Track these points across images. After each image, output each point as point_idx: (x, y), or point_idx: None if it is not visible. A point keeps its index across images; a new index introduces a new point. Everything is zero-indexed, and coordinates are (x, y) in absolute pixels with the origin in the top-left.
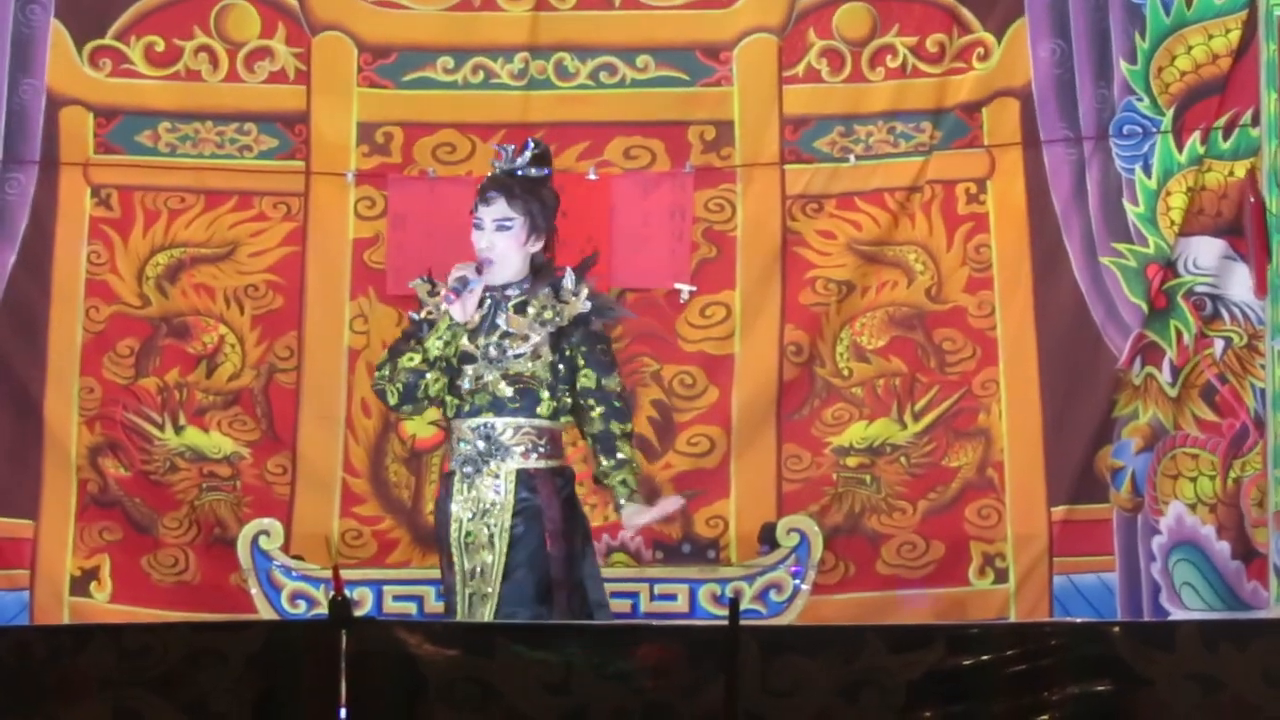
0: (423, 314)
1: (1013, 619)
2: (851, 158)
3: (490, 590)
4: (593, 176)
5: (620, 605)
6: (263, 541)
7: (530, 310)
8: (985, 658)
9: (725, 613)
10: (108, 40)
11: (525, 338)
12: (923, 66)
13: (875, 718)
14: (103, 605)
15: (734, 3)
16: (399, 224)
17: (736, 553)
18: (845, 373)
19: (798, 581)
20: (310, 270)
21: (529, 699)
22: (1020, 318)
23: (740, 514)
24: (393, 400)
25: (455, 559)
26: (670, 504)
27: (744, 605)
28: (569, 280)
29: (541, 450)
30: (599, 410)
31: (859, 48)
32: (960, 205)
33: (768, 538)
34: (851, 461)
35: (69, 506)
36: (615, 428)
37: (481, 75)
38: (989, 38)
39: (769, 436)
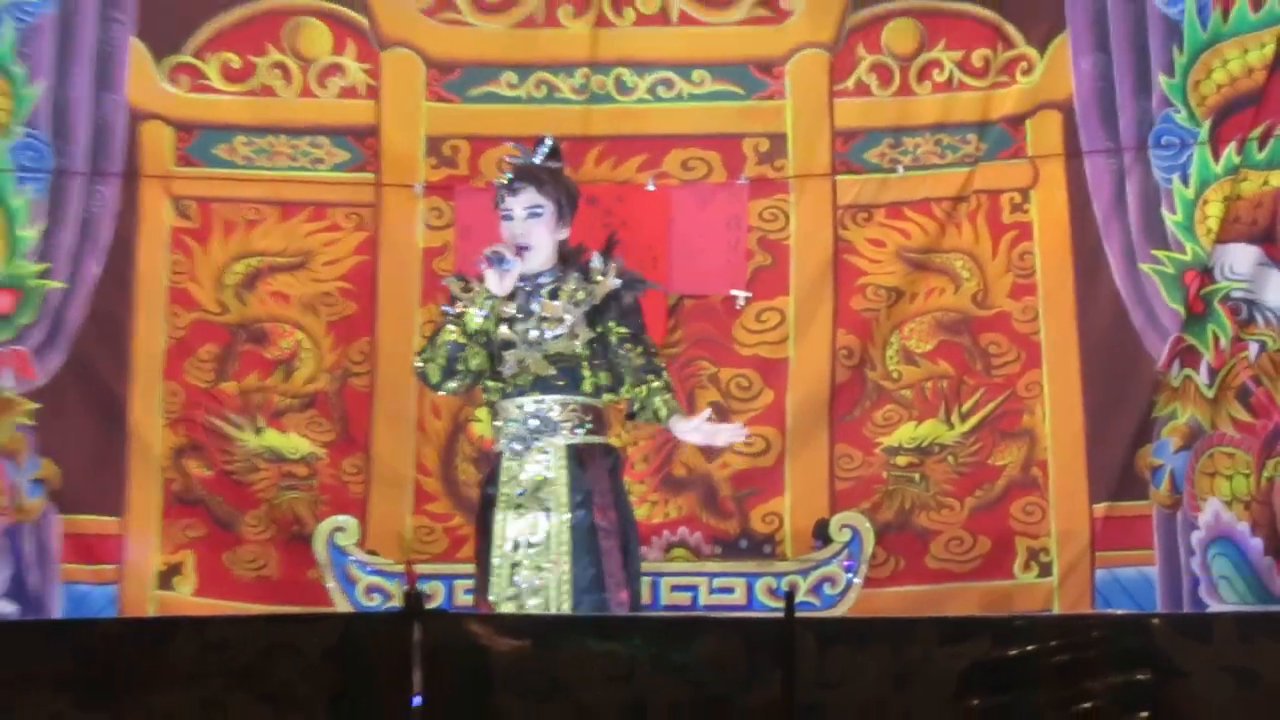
0: (456, 308)
1: (1056, 611)
2: (900, 169)
3: (549, 564)
4: (651, 187)
5: (680, 598)
6: (339, 538)
7: (562, 294)
8: (1030, 648)
9: (781, 605)
10: (185, 57)
11: (560, 319)
12: (968, 80)
13: (925, 706)
14: (187, 599)
15: (786, 19)
16: (466, 233)
17: (791, 548)
18: (895, 375)
19: (850, 575)
20: (381, 278)
21: (592, 690)
22: (1063, 322)
23: (795, 511)
24: (434, 378)
25: (498, 531)
26: (730, 431)
27: (799, 598)
28: (596, 261)
29: (588, 426)
30: (637, 350)
31: (907, 62)
32: (1005, 214)
33: (821, 534)
34: (901, 460)
35: (155, 505)
36: (655, 363)
37: (544, 90)
38: (1032, 52)
39: (822, 437)
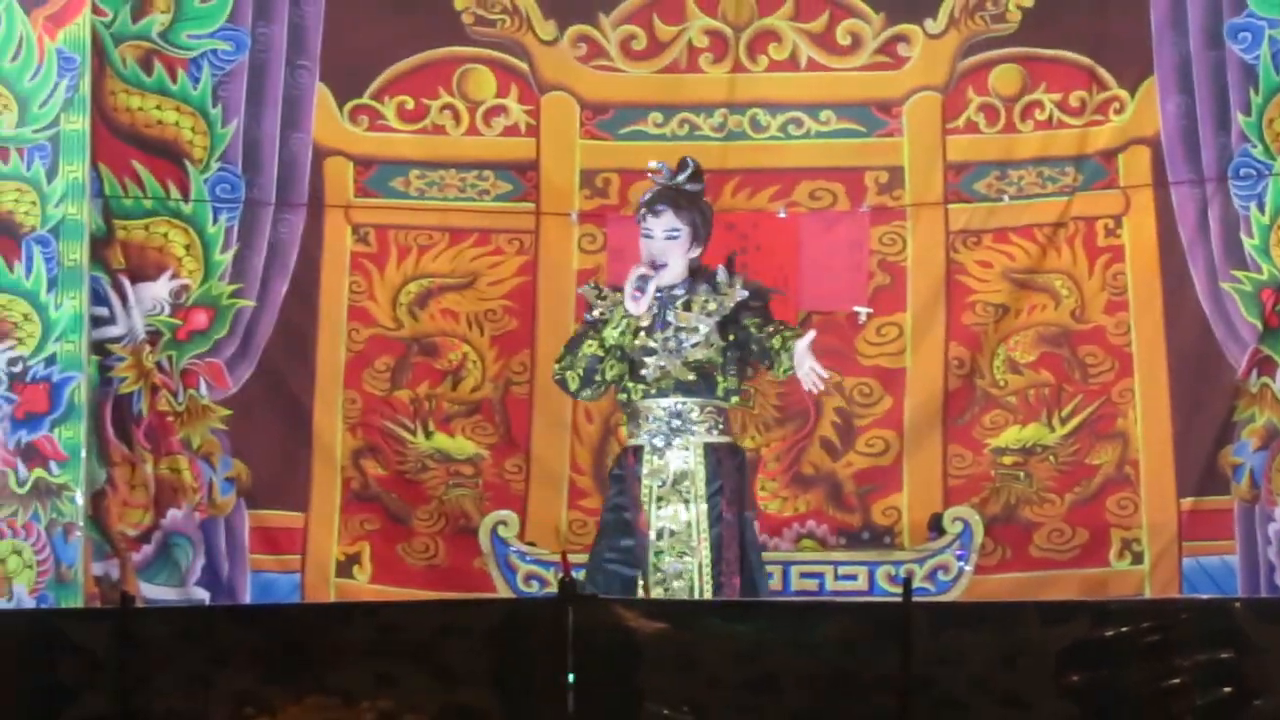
0: (595, 314)
1: (1147, 596)
2: (1006, 198)
3: (690, 550)
4: (782, 215)
5: (808, 584)
6: (501, 530)
7: (694, 306)
8: (1124, 630)
9: (899, 591)
10: (365, 99)
11: (695, 329)
12: (1067, 119)
13: (1029, 682)
14: (364, 585)
15: (904, 65)
16: (617, 256)
17: (909, 539)
18: (1001, 383)
19: (962, 563)
20: (540, 297)
21: (728, 667)
22: (1152, 335)
23: (912, 505)
24: (573, 385)
25: (637, 521)
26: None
27: (915, 584)
28: (722, 274)
29: (721, 427)
30: (769, 326)
31: (1011, 103)
32: (1100, 238)
33: (936, 526)
34: (1007, 460)
35: (334, 501)
36: (787, 325)
37: (687, 128)
38: (1124, 93)
39: (936, 438)
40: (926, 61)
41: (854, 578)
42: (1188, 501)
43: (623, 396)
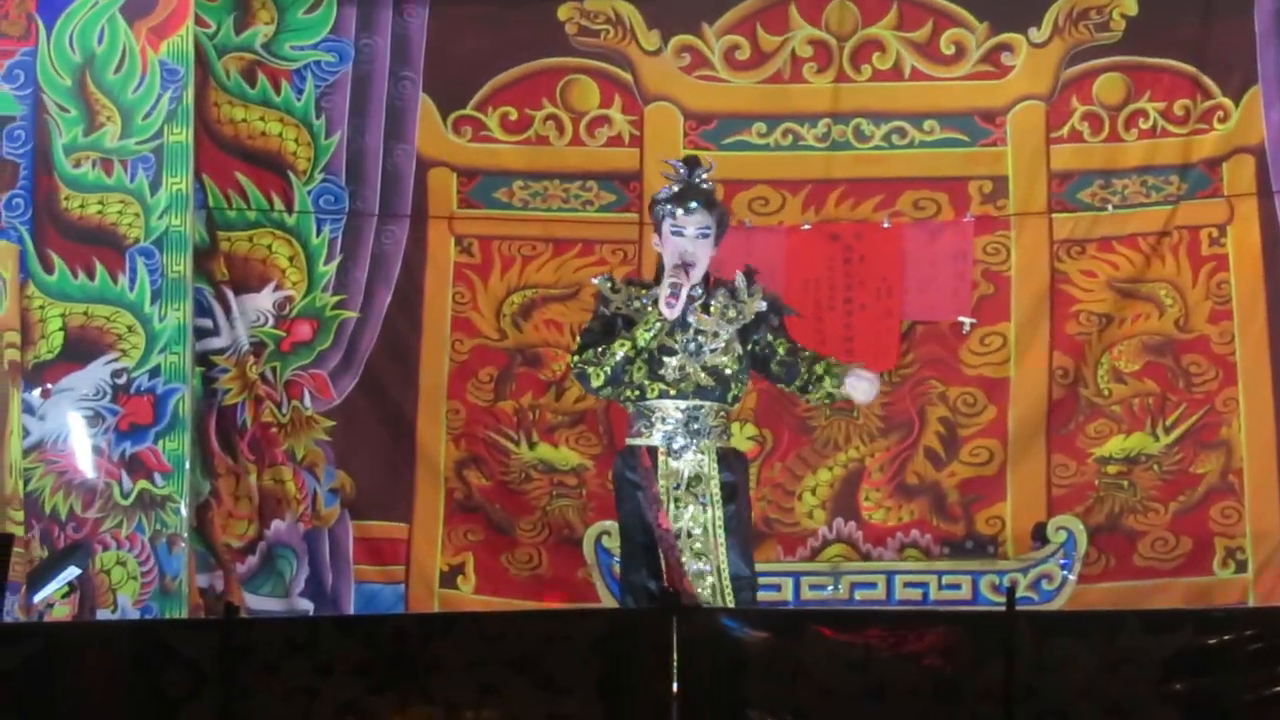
0: (610, 309)
1: (1251, 604)
2: (1110, 207)
3: (709, 552)
4: (886, 225)
5: (912, 594)
6: (605, 540)
7: (714, 310)
8: (1228, 638)
9: (1003, 600)
10: (469, 110)
11: (716, 334)
12: (1170, 128)
13: (1133, 690)
14: (467, 596)
15: (1008, 74)
16: (717, 265)
17: (1013, 548)
18: (1106, 393)
19: (1066, 573)
20: None
21: (834, 677)
22: (1257, 344)
23: (1015, 514)
24: (596, 382)
25: (658, 519)
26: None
27: (1019, 594)
28: (741, 282)
29: (730, 433)
30: (804, 353)
31: (1115, 112)
32: (1204, 247)
33: (1039, 535)
34: (1111, 469)
35: (438, 512)
36: (816, 354)
37: (790, 138)
38: (1228, 102)
39: (1040, 448)
40: (1030, 70)
41: (958, 587)
42: None
43: (633, 395)
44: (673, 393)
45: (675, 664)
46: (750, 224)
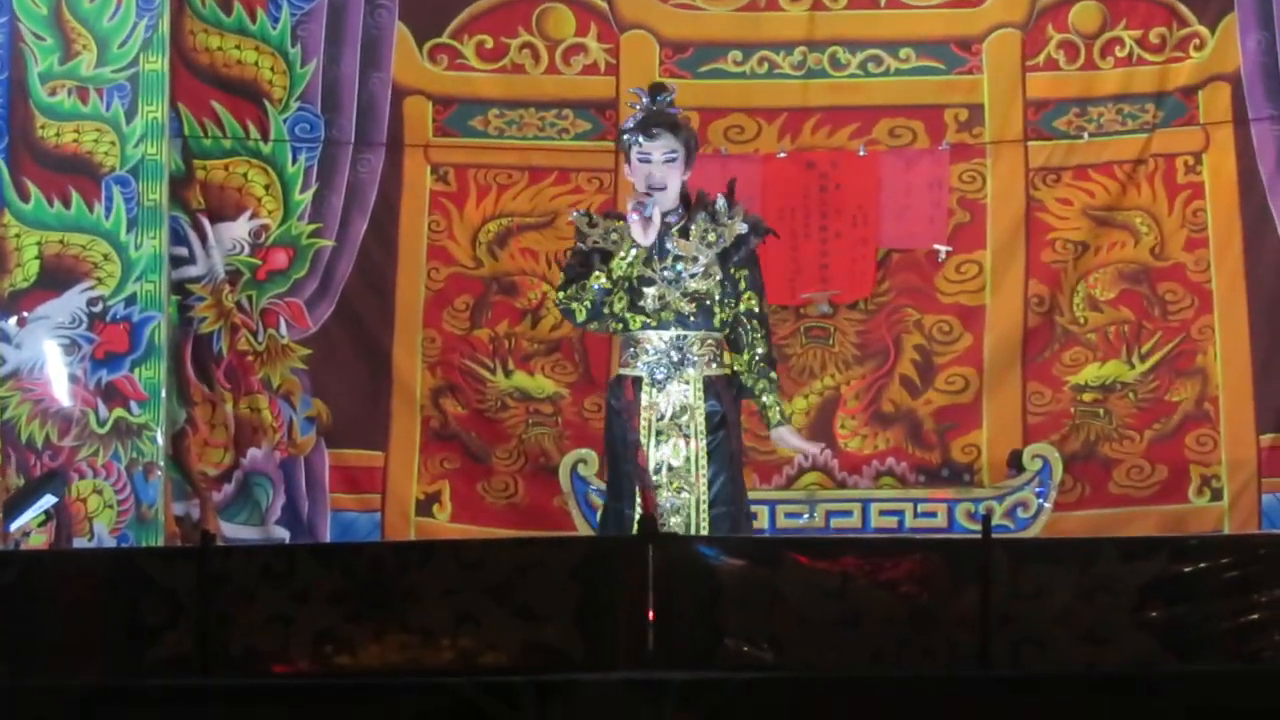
0: (588, 244)
1: (1226, 532)
2: (1085, 135)
3: (689, 485)
4: (862, 153)
5: (888, 522)
6: (580, 469)
7: (693, 233)
8: (1203, 565)
9: (979, 528)
10: (445, 39)
11: (695, 259)
12: (1146, 56)
13: (1108, 617)
14: (444, 524)
15: (984, 2)
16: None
17: (988, 476)
18: (1081, 321)
19: (1041, 500)
20: None
21: (810, 604)
22: (1232, 272)
23: (991, 443)
24: (580, 318)
25: (636, 454)
26: (814, 448)
27: (995, 521)
28: (721, 204)
29: (719, 360)
30: (760, 334)
31: (1091, 40)
32: (1180, 175)
33: (1015, 463)
34: (1087, 397)
35: (414, 440)
36: (773, 353)
37: (766, 66)
38: (1204, 30)
39: (1015, 376)
40: None
41: (934, 515)
42: (1267, 438)
43: (618, 326)
44: (654, 323)
45: (651, 592)
46: (726, 152)
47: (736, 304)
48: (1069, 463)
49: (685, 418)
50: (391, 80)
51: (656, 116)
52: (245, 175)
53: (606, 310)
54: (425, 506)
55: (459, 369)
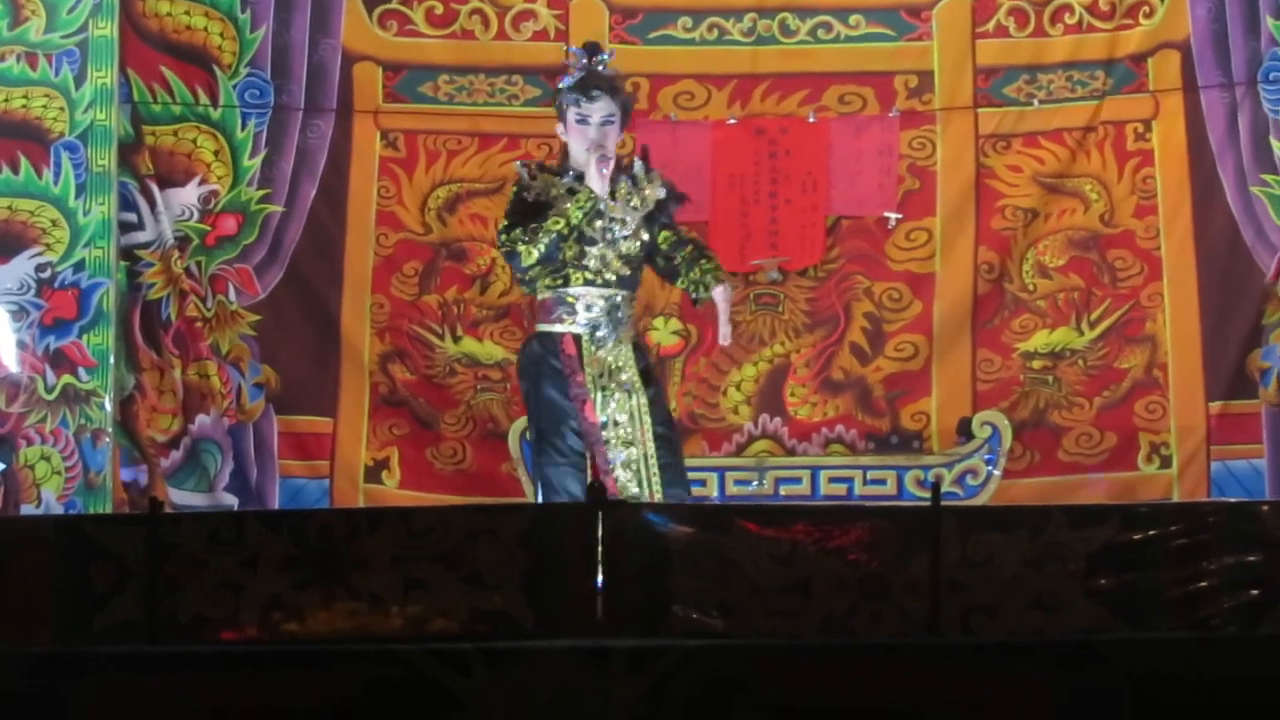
0: (532, 196)
1: (1176, 499)
2: (1035, 102)
3: (636, 440)
4: (812, 120)
5: (837, 489)
6: (529, 435)
7: (619, 197)
8: (1153, 533)
9: (928, 495)
10: (394, 5)
11: (624, 221)
12: (1096, 23)
13: (1058, 584)
14: (392, 491)
15: None
16: (646, 159)
17: (938, 443)
18: (1031, 288)
19: (990, 468)
20: None
21: (760, 571)
22: (1181, 239)
23: (941, 410)
24: (527, 260)
25: (584, 410)
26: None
27: (944, 488)
28: (639, 168)
29: (637, 321)
30: (688, 247)
31: (1041, 7)
32: (1129, 143)
33: (964, 430)
34: (1036, 364)
35: (363, 406)
36: (705, 250)
37: (716, 33)
38: None
39: (965, 343)
40: None
41: (883, 482)
42: (1216, 405)
43: (556, 281)
44: (598, 281)
45: (600, 559)
46: (676, 118)
47: (655, 263)
48: (1018, 430)
49: (623, 375)
50: (341, 46)
51: (596, 78)
52: (194, 141)
53: (560, 256)
54: (374, 473)
55: (408, 335)
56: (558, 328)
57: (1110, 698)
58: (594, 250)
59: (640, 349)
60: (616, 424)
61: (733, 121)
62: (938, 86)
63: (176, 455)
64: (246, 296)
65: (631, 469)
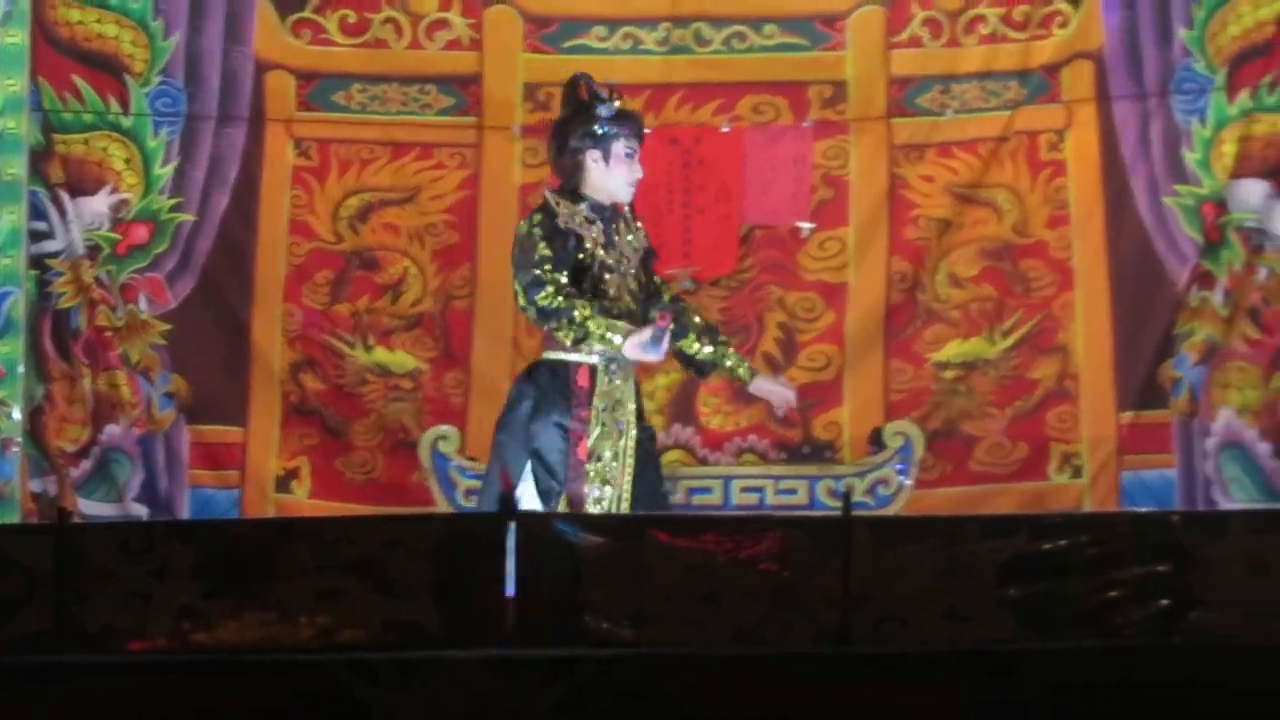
0: (561, 222)
1: (1087, 509)
2: (949, 112)
3: (613, 479)
4: (726, 129)
5: (749, 499)
6: (441, 445)
7: (620, 233)
8: (1063, 543)
9: (840, 505)
10: (307, 13)
11: (629, 257)
12: (1010, 33)
13: (969, 595)
14: (303, 501)
15: None
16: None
17: (850, 453)
18: (943, 298)
19: (902, 478)
20: (482, 211)
21: (671, 582)
22: (1094, 250)
23: (853, 420)
24: (567, 341)
25: (577, 448)
26: (788, 390)
27: (856, 498)
28: (628, 211)
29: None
30: (691, 309)
31: (955, 17)
32: (1042, 153)
33: (876, 440)
34: (949, 374)
35: (274, 415)
36: (712, 325)
37: (630, 42)
38: (1067, 7)
39: (878, 353)
40: None
41: (794, 492)
42: (1127, 415)
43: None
44: (614, 311)
45: (512, 570)
46: None
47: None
48: (930, 440)
49: (619, 411)
50: (254, 54)
51: (629, 114)
52: (105, 149)
53: (583, 285)
54: (284, 483)
55: (319, 344)
56: (573, 357)
57: (1022, 708)
58: (611, 278)
59: (637, 385)
60: (599, 459)
61: (646, 131)
62: (851, 96)
63: (86, 465)
64: (157, 306)
65: (600, 507)
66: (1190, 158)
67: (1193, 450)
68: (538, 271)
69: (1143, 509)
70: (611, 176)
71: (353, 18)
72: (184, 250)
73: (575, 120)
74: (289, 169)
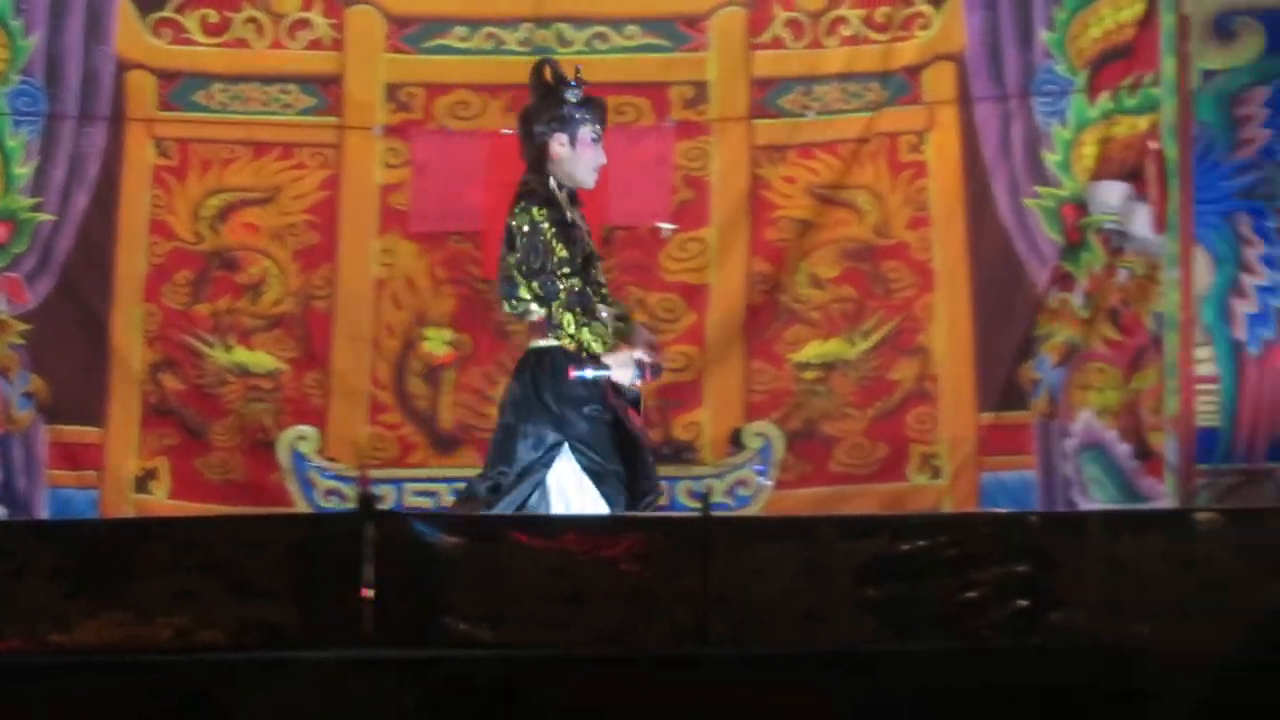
0: (566, 215)
1: (947, 510)
2: (810, 113)
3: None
4: None
5: None
6: (300, 445)
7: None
8: (923, 544)
9: (699, 506)
10: (168, 13)
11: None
12: (872, 35)
13: (829, 596)
14: (162, 501)
15: None
16: (421, 171)
17: (710, 454)
18: (804, 298)
19: (762, 479)
20: (343, 211)
21: (530, 583)
22: (955, 251)
23: (713, 420)
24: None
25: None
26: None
27: (715, 499)
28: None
29: None
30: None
31: (817, 18)
32: (903, 154)
33: (736, 441)
34: (809, 375)
35: (133, 415)
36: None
37: (492, 43)
38: (929, 9)
39: (738, 353)
40: None
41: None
42: (987, 416)
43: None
44: (608, 300)
45: (370, 570)
46: (451, 129)
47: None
48: (790, 440)
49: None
50: (115, 54)
51: (600, 101)
52: None
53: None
54: (143, 483)
55: (178, 344)
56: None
57: (883, 709)
58: (600, 266)
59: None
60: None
61: (507, 132)
62: (713, 97)
63: None
64: (16, 306)
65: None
66: (1051, 159)
67: (1052, 451)
68: (561, 286)
69: (1002, 510)
70: (579, 161)
71: (214, 17)
72: (43, 250)
73: (543, 104)
74: (149, 169)
